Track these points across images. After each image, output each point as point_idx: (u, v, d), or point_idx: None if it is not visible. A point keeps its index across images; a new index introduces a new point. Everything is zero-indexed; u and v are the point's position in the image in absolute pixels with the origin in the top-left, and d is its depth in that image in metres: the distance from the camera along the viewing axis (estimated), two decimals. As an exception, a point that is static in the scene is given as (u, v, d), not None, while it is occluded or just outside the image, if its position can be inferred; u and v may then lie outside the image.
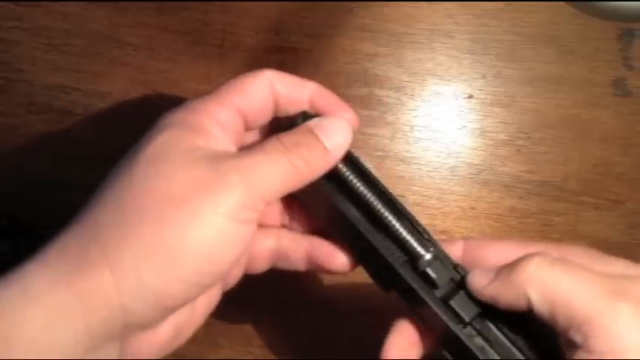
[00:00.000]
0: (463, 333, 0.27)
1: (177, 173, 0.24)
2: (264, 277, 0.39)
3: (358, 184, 0.28)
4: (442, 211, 0.40)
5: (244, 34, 0.41)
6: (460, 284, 0.28)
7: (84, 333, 0.22)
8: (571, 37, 0.41)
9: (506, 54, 0.41)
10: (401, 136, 0.40)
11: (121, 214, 0.23)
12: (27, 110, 0.41)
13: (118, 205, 0.24)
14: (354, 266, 0.29)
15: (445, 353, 0.28)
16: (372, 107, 0.41)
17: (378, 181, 0.29)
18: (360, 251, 0.29)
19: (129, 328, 0.23)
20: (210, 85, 0.28)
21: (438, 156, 0.40)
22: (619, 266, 0.26)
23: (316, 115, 0.28)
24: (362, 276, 0.39)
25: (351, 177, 0.28)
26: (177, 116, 0.26)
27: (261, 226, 0.29)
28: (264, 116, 0.28)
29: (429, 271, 0.28)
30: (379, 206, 0.28)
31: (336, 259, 0.29)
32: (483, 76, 0.41)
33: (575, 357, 0.24)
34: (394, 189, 0.40)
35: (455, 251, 0.29)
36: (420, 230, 0.28)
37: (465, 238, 0.30)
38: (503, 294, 0.26)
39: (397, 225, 0.28)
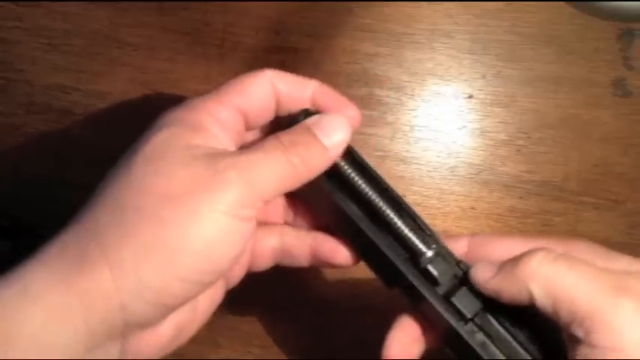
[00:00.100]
0: (464, 329, 0.27)
1: (175, 171, 0.24)
2: (264, 277, 0.39)
3: (359, 181, 0.28)
4: (442, 211, 0.40)
5: (244, 34, 0.41)
6: (463, 280, 0.28)
7: (84, 332, 0.22)
8: (571, 37, 0.41)
9: (506, 54, 0.41)
10: (401, 136, 0.40)
11: (120, 214, 0.23)
12: (27, 110, 0.41)
13: (117, 205, 0.24)
14: (357, 260, 0.30)
15: (447, 350, 0.28)
16: (372, 107, 0.41)
17: (379, 177, 0.29)
18: (362, 247, 0.29)
19: (129, 327, 0.23)
20: (210, 85, 0.28)
21: (438, 156, 0.40)
22: (622, 262, 0.26)
23: (318, 112, 0.28)
24: (362, 274, 0.39)
25: (351, 174, 0.28)
26: (177, 114, 0.26)
27: (264, 223, 0.30)
28: (265, 115, 0.28)
29: (431, 268, 0.28)
30: (380, 203, 0.28)
31: (340, 253, 0.29)
32: (483, 76, 0.41)
33: (578, 352, 0.24)
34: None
35: (460, 247, 0.29)
36: (422, 227, 0.28)
37: (470, 234, 0.30)
38: (506, 288, 0.26)
39: (399, 222, 0.28)
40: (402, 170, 0.40)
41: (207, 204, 0.23)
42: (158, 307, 0.24)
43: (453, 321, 0.27)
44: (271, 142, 0.26)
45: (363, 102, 0.40)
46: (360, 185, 0.28)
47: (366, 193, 0.28)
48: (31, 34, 0.41)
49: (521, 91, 0.41)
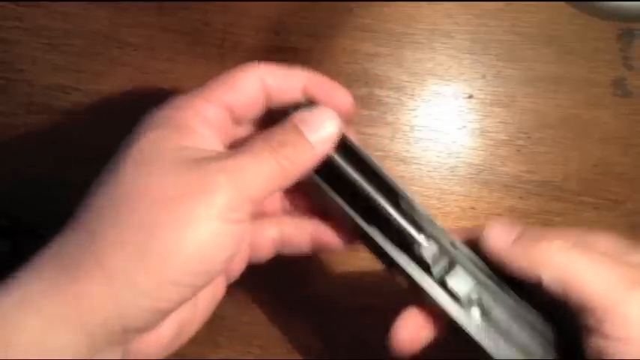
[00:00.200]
0: (460, 313, 0.27)
1: (165, 176, 0.24)
2: (264, 277, 0.39)
3: (348, 171, 0.28)
4: (442, 211, 0.40)
5: (244, 34, 0.41)
6: (457, 260, 0.28)
7: (83, 340, 0.22)
8: (571, 37, 0.41)
9: (506, 54, 0.41)
10: (401, 136, 0.40)
11: (112, 220, 0.23)
12: (27, 110, 0.41)
13: (108, 211, 0.23)
14: (357, 240, 0.30)
15: (452, 338, 0.28)
16: (372, 107, 0.41)
17: (371, 162, 0.28)
18: (359, 235, 0.29)
19: (128, 332, 0.23)
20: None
21: (438, 156, 0.40)
22: None
23: (310, 102, 0.28)
24: (362, 274, 0.39)
25: (341, 164, 0.28)
26: (163, 115, 0.26)
27: (262, 215, 0.30)
28: (254, 110, 0.28)
29: (423, 254, 0.28)
30: (372, 192, 0.28)
31: (339, 238, 0.29)
32: (483, 76, 0.41)
33: (590, 341, 0.25)
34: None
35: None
36: (416, 211, 0.28)
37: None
38: (516, 265, 0.27)
39: (391, 210, 0.28)
40: (402, 170, 0.40)
41: (199, 208, 0.23)
42: (155, 312, 0.24)
43: (446, 305, 0.27)
44: (259, 143, 0.25)
45: (363, 102, 0.40)
46: (348, 174, 0.28)
47: (355, 182, 0.28)
48: (31, 34, 0.41)
49: (521, 91, 0.41)
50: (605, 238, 0.28)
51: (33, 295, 0.22)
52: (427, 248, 0.28)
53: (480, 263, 0.28)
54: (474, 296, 0.28)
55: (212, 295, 0.28)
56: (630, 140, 0.40)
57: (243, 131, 0.29)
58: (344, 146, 0.28)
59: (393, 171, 0.40)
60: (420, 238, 0.28)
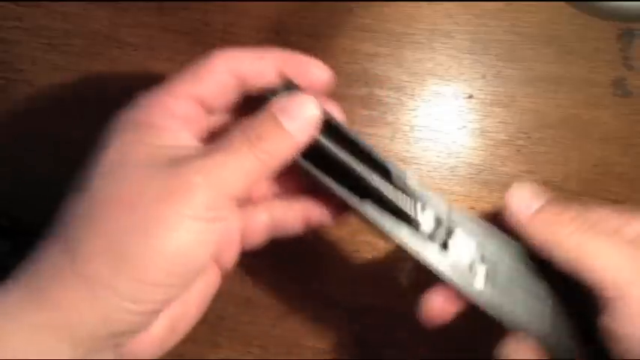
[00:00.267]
0: (464, 278, 0.27)
1: (138, 180, 0.23)
2: (264, 277, 0.39)
3: (335, 151, 0.27)
4: (442, 211, 0.40)
5: (244, 34, 0.41)
6: (456, 225, 0.28)
7: (71, 347, 0.22)
8: (571, 37, 0.41)
9: (506, 54, 0.41)
10: (401, 136, 0.40)
11: (87, 229, 0.23)
12: (27, 110, 0.41)
13: (83, 220, 0.23)
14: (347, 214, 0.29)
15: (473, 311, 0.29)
16: (372, 107, 0.41)
17: (357, 140, 0.28)
18: (352, 210, 0.28)
19: (117, 336, 0.23)
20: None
21: (438, 156, 0.40)
22: None
23: (288, 83, 0.27)
24: (362, 273, 0.39)
25: (327, 145, 0.27)
26: (130, 116, 0.25)
27: (251, 201, 0.29)
28: (227, 98, 0.27)
29: (422, 224, 0.28)
30: (362, 171, 0.27)
31: (331, 214, 0.29)
32: (483, 76, 0.41)
33: (601, 320, 0.25)
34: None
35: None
36: (408, 183, 0.28)
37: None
38: (532, 241, 0.27)
39: (383, 186, 0.27)
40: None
41: (174, 212, 0.23)
42: (141, 314, 0.23)
43: (448, 272, 0.27)
44: (237, 137, 0.25)
45: (363, 102, 0.40)
46: (336, 154, 0.27)
47: (344, 162, 0.27)
48: (31, 34, 0.41)
49: (521, 91, 0.41)
50: (605, 210, 0.28)
51: (15, 305, 0.22)
52: (424, 218, 0.28)
53: (482, 225, 0.28)
54: (478, 259, 0.28)
55: (205, 288, 0.27)
56: (630, 140, 0.40)
57: (219, 119, 0.29)
58: (328, 125, 0.27)
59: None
60: (415, 209, 0.27)
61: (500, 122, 0.40)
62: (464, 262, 0.28)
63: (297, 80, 0.27)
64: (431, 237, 0.28)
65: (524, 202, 0.28)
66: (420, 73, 0.41)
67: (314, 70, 0.28)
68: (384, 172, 0.28)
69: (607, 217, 0.27)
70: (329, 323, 0.39)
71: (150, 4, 0.41)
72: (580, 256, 0.26)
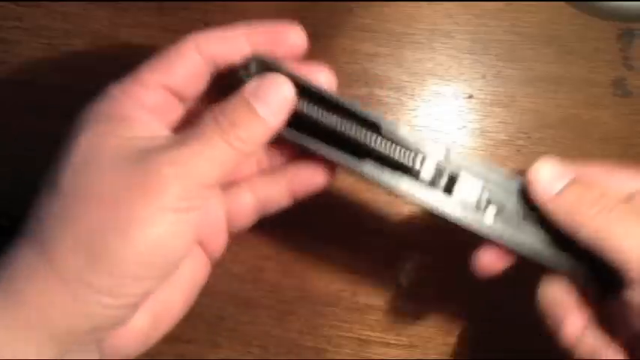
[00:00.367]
0: (475, 219, 0.27)
1: (108, 175, 0.23)
2: (264, 277, 0.39)
3: (323, 116, 0.27)
4: (442, 211, 0.40)
5: (244, 34, 0.41)
6: (459, 168, 0.28)
7: (51, 344, 0.22)
8: (571, 37, 0.41)
9: (506, 54, 0.41)
10: (401, 136, 0.40)
11: (59, 226, 0.23)
12: (27, 110, 0.41)
13: (55, 218, 0.23)
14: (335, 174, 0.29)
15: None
16: (372, 107, 0.40)
17: (340, 100, 0.27)
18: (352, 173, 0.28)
19: (97, 331, 0.23)
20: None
21: (438, 156, 0.40)
22: None
23: (260, 57, 0.26)
24: (363, 272, 0.39)
25: (313, 112, 0.27)
26: (98, 108, 0.25)
27: (235, 182, 0.29)
28: (201, 83, 0.27)
29: (423, 173, 0.27)
30: (353, 130, 0.27)
31: (318, 179, 0.28)
32: (483, 76, 0.41)
33: (627, 294, 0.25)
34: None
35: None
36: (402, 134, 0.27)
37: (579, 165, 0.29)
38: (556, 218, 0.27)
39: (378, 142, 0.27)
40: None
41: (146, 204, 0.22)
42: (119, 307, 0.23)
43: (459, 216, 0.27)
44: (208, 125, 0.24)
45: (363, 102, 0.40)
46: (324, 119, 0.27)
47: (333, 125, 0.27)
48: (31, 34, 0.41)
49: (521, 91, 0.41)
50: (607, 167, 0.28)
51: None
52: (424, 166, 0.27)
53: (484, 165, 0.28)
54: (484, 199, 0.28)
55: (191, 277, 0.27)
56: (630, 140, 0.40)
57: (195, 106, 0.28)
58: (309, 91, 0.27)
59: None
60: (413, 158, 0.27)
61: (500, 122, 0.40)
62: (470, 203, 0.27)
63: (271, 51, 0.27)
64: (433, 183, 0.28)
65: (547, 181, 0.27)
66: (420, 73, 0.41)
67: (288, 37, 0.27)
68: (374, 127, 0.27)
69: (628, 180, 0.28)
70: (329, 323, 0.39)
71: (150, 4, 0.41)
72: (604, 238, 0.25)
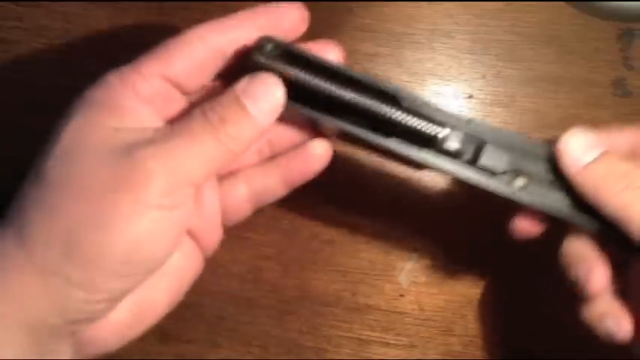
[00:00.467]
0: (505, 187, 0.27)
1: (92, 168, 0.23)
2: (264, 277, 0.39)
3: (344, 94, 0.26)
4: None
5: (244, 34, 0.41)
6: (485, 138, 0.27)
7: (26, 335, 0.22)
8: (571, 37, 0.41)
9: (506, 54, 0.41)
10: (401, 136, 0.40)
11: (39, 217, 0.22)
12: (27, 110, 0.41)
13: (35, 208, 0.23)
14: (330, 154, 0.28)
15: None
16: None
17: (360, 76, 0.26)
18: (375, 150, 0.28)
19: (73, 324, 0.23)
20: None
21: (438, 156, 0.40)
22: None
23: (274, 39, 0.26)
24: (363, 271, 0.39)
25: (333, 90, 0.26)
26: (94, 94, 0.24)
27: (231, 174, 0.28)
28: (204, 74, 0.26)
29: (449, 145, 0.27)
30: (374, 105, 0.26)
31: (313, 164, 0.28)
32: (483, 76, 0.41)
33: None
34: (395, 189, 0.40)
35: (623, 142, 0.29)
36: (422, 106, 0.27)
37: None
38: (583, 190, 0.26)
39: (399, 115, 0.26)
40: (403, 170, 0.40)
41: (129, 200, 0.22)
42: (96, 302, 0.23)
43: (484, 183, 0.27)
44: (197, 120, 0.24)
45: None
46: (344, 97, 0.26)
47: (355, 102, 0.26)
48: (31, 34, 0.41)
49: (521, 91, 0.41)
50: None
51: None
52: (450, 138, 0.27)
53: (509, 133, 0.28)
54: (512, 165, 0.27)
55: (180, 273, 0.27)
56: (630, 140, 0.40)
57: (200, 98, 0.27)
58: (324, 70, 0.26)
59: (393, 171, 0.40)
60: (439, 131, 0.27)
61: (500, 122, 0.40)
62: (499, 170, 0.27)
63: (277, 32, 0.26)
64: (460, 154, 0.27)
65: (576, 153, 0.27)
66: (420, 73, 0.41)
67: (292, 17, 0.27)
68: (394, 101, 0.26)
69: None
70: (329, 323, 0.39)
71: (150, 4, 0.41)
72: (630, 214, 0.25)
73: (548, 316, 0.38)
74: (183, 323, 0.39)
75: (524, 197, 0.27)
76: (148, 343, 0.38)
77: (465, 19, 0.41)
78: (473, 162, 0.27)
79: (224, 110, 0.24)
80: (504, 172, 0.27)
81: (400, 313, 0.39)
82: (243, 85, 0.25)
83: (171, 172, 0.23)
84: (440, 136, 0.26)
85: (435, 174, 0.40)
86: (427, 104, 0.27)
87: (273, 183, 0.28)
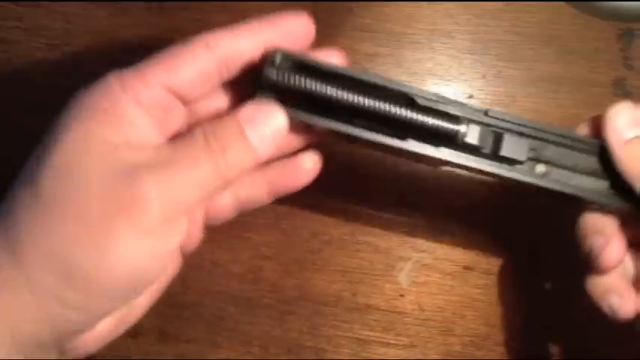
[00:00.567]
0: (528, 175, 0.27)
1: (92, 190, 0.22)
2: (264, 277, 0.39)
3: (361, 100, 0.25)
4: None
5: (244, 34, 0.41)
6: (504, 129, 0.27)
7: (13, 347, 0.22)
8: (571, 37, 0.41)
9: (506, 54, 0.41)
10: (401, 136, 0.40)
11: (38, 237, 0.22)
12: (27, 110, 0.41)
13: (31, 220, 0.22)
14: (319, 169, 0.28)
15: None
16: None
17: (374, 78, 0.26)
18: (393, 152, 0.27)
19: (60, 337, 0.23)
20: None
21: (438, 156, 0.40)
22: None
23: (284, 51, 0.25)
24: (363, 271, 0.39)
25: (349, 97, 0.25)
26: (91, 99, 0.23)
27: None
28: (207, 84, 0.25)
29: (468, 139, 0.26)
30: (390, 108, 0.25)
31: (300, 177, 0.28)
32: (483, 76, 0.41)
33: None
34: (395, 188, 0.40)
35: None
36: (437, 102, 0.26)
37: None
38: (619, 164, 0.26)
39: (416, 115, 0.25)
40: (403, 170, 0.40)
41: (126, 226, 0.22)
42: (85, 320, 0.23)
43: (506, 174, 0.27)
44: (198, 145, 0.23)
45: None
46: (362, 103, 0.25)
47: (373, 108, 0.25)
48: (31, 34, 0.41)
49: (521, 91, 0.41)
50: None
51: None
52: (469, 132, 0.26)
53: (528, 122, 0.27)
54: (532, 155, 0.27)
55: (162, 277, 0.27)
56: (630, 140, 0.40)
57: (203, 109, 0.27)
58: (336, 77, 0.26)
59: (393, 171, 0.40)
60: (459, 127, 0.26)
61: (500, 122, 0.40)
62: (520, 159, 0.27)
63: (284, 44, 0.26)
64: (480, 147, 0.27)
65: (621, 126, 0.27)
66: (420, 73, 0.41)
67: (298, 26, 0.26)
68: (410, 100, 0.26)
69: None
70: (329, 323, 0.39)
71: (150, 4, 0.41)
72: None
73: (548, 317, 0.38)
74: (182, 323, 0.39)
75: (549, 183, 0.27)
76: (147, 343, 0.38)
77: (465, 19, 0.41)
78: (494, 154, 0.27)
79: (225, 137, 0.24)
80: (526, 161, 0.27)
81: (400, 313, 0.39)
82: (247, 112, 0.24)
83: (169, 200, 0.22)
84: (461, 131, 0.26)
85: (438, 174, 0.40)
86: (442, 99, 0.26)
87: (259, 192, 0.28)
